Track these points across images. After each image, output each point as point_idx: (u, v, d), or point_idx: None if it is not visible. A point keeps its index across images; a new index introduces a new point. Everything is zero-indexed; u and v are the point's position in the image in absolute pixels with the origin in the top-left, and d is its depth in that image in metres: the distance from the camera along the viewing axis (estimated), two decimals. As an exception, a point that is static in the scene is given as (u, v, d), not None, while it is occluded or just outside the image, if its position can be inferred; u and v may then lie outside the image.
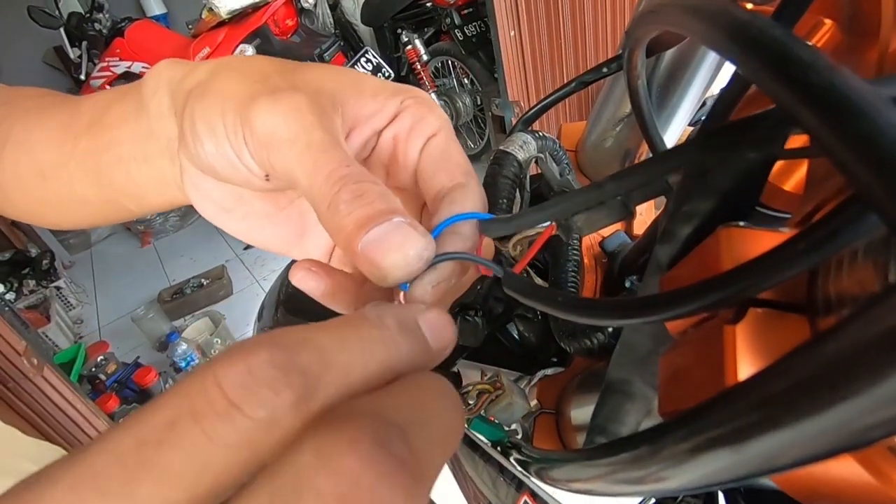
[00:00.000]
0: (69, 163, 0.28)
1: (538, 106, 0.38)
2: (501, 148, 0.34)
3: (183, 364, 1.88)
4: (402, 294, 0.18)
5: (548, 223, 0.20)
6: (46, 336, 2.10)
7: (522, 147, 0.35)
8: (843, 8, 0.19)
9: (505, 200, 0.34)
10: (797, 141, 0.17)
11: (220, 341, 1.97)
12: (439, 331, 0.15)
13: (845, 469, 0.13)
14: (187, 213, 3.02)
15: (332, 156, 0.17)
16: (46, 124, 0.29)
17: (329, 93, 0.20)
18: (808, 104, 0.11)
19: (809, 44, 0.14)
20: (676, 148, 0.16)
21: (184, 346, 1.89)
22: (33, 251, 2.65)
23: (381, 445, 0.11)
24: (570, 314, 0.16)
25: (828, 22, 0.19)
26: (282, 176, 0.19)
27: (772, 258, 0.11)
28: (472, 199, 0.21)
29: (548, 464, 0.27)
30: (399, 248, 0.16)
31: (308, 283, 0.22)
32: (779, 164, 0.24)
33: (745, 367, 0.12)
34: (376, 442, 0.11)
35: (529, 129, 0.38)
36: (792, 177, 0.25)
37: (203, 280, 2.34)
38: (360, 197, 0.17)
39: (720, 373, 0.13)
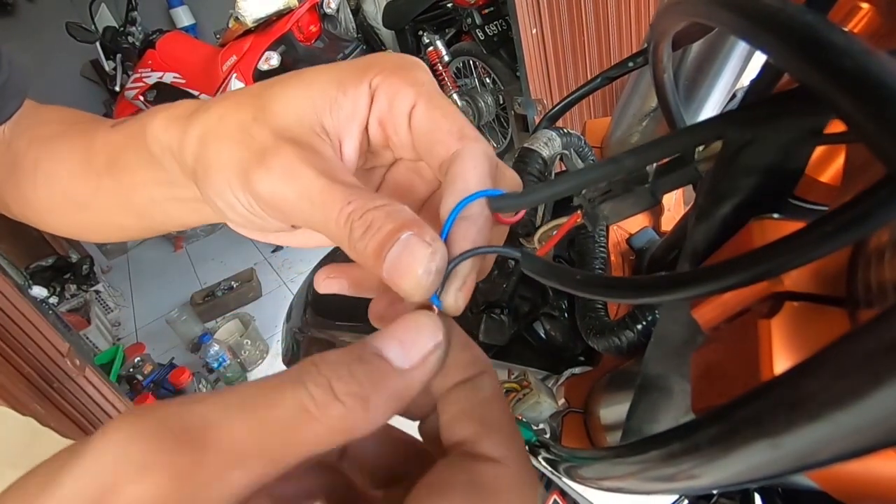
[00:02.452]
0: (99, 196, 0.30)
1: (563, 102, 0.38)
2: (526, 145, 0.34)
3: (215, 365, 1.93)
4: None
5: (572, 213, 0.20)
6: (87, 338, 2.19)
7: (547, 144, 0.35)
8: (881, -10, 0.18)
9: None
10: (835, 128, 0.17)
11: (249, 342, 2.02)
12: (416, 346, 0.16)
13: (892, 467, 0.12)
14: (217, 217, 3.11)
15: (333, 199, 0.18)
16: (69, 157, 0.31)
17: (306, 120, 0.20)
18: (843, 89, 0.11)
19: (844, 28, 0.14)
20: (706, 121, 0.16)
21: (216, 348, 1.94)
22: (74, 257, 2.76)
23: None
24: (589, 292, 0.15)
25: (865, 6, 0.18)
26: (303, 225, 0.20)
27: (800, 238, 0.11)
28: (472, 167, 0.19)
29: (578, 462, 0.27)
30: (409, 271, 0.17)
31: (332, 287, 0.23)
32: (815, 155, 0.23)
33: (782, 361, 0.12)
34: None
35: (554, 125, 0.38)
36: (829, 168, 0.24)
37: (233, 283, 2.40)
38: (368, 229, 0.17)
39: (755, 368, 0.13)
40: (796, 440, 0.10)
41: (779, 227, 0.14)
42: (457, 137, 0.20)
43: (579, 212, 0.21)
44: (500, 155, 2.64)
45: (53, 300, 2.39)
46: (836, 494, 0.14)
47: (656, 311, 0.34)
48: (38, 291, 2.24)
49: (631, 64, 0.36)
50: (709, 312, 0.16)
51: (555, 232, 0.24)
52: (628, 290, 0.14)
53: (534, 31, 1.77)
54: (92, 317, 2.30)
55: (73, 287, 2.52)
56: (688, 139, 0.17)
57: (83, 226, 0.33)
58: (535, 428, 0.37)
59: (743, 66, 0.40)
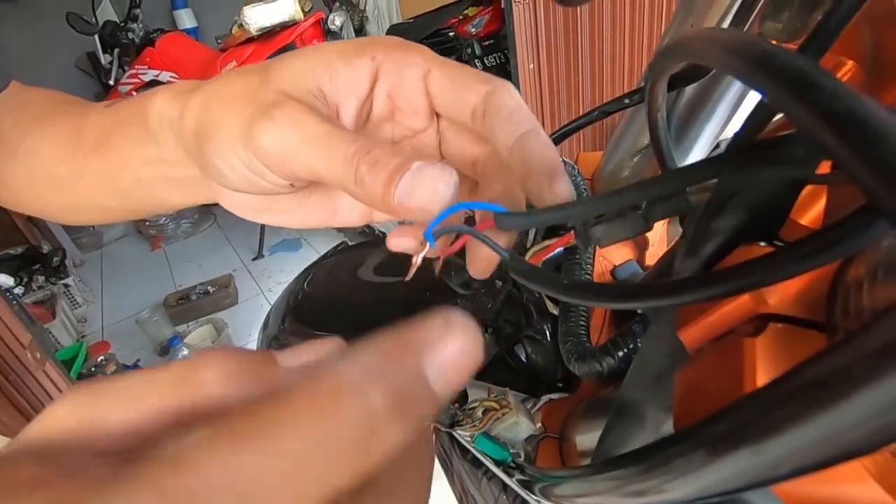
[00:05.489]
0: (84, 177, 0.29)
1: (561, 131, 0.39)
2: (522, 168, 0.35)
3: (182, 370, 1.88)
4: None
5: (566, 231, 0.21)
6: (50, 332, 2.11)
7: (542, 169, 0.36)
8: (866, 48, 0.20)
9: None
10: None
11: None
12: (458, 365, 0.11)
13: (865, 492, 0.13)
14: (199, 220, 3.06)
15: (338, 141, 0.19)
16: (55, 136, 0.31)
17: (305, 84, 0.21)
18: (832, 129, 0.12)
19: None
20: (703, 161, 0.17)
21: (185, 352, 1.89)
22: (46, 248, 2.68)
23: None
24: (575, 297, 0.16)
25: (849, 62, 0.19)
26: (305, 176, 0.21)
27: (780, 257, 0.12)
28: (505, 93, 0.21)
29: (552, 481, 0.27)
30: (430, 185, 0.18)
31: (402, 245, 0.22)
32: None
33: (765, 377, 0.13)
34: None
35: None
36: (809, 211, 0.25)
37: (210, 287, 2.35)
38: (376, 164, 0.18)
39: (739, 384, 0.13)
40: (763, 450, 0.11)
41: (765, 253, 0.14)
42: (483, 82, 0.21)
43: (572, 232, 0.22)
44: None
45: (19, 290, 2.30)
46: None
47: (638, 340, 0.34)
48: (4, 280, 2.16)
49: (627, 101, 0.38)
50: (695, 333, 0.16)
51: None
52: (614, 296, 0.15)
53: (531, 66, 1.83)
54: (58, 310, 2.23)
55: (41, 278, 2.44)
56: (685, 178, 0.18)
57: (61, 205, 0.33)
58: (511, 449, 0.37)
59: (731, 113, 0.42)
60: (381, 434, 0.10)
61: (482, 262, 0.22)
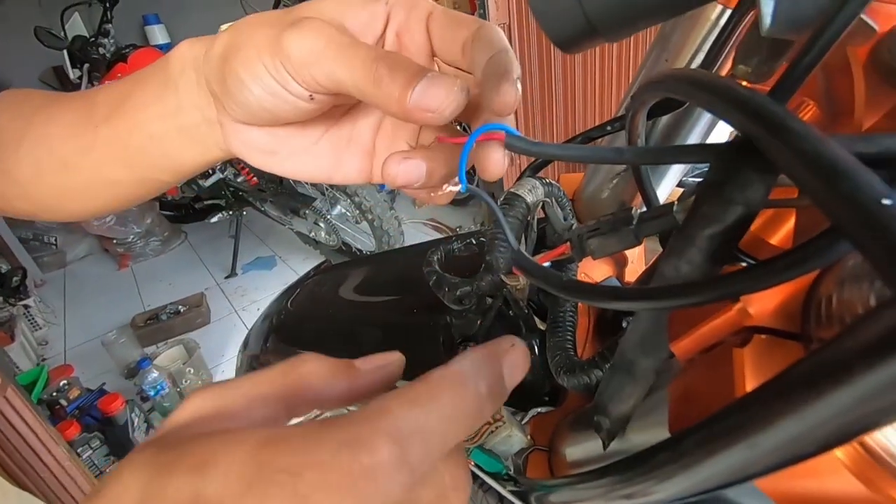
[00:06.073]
0: (92, 151, 0.30)
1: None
2: (512, 190, 0.37)
3: (152, 393, 1.81)
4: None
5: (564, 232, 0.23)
6: (8, 356, 2.01)
7: (531, 191, 0.38)
8: (822, 91, 0.22)
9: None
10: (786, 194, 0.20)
11: (192, 370, 1.91)
12: (518, 370, 0.18)
13: (843, 484, 0.15)
14: (169, 238, 2.99)
15: (360, 46, 0.22)
16: (62, 118, 0.31)
17: (330, 18, 0.24)
18: (803, 166, 0.14)
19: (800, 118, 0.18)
20: (693, 145, 0.19)
21: (154, 374, 1.82)
22: (4, 267, 2.57)
23: None
24: (573, 295, 0.18)
25: (811, 102, 0.22)
26: (325, 83, 0.22)
27: (758, 270, 0.13)
28: (490, 29, 0.23)
29: (547, 490, 0.29)
30: (445, 88, 0.20)
31: (409, 172, 0.24)
32: (766, 220, 0.27)
33: (753, 382, 0.14)
34: None
35: (537, 175, 0.41)
36: (778, 232, 0.28)
37: (180, 307, 2.29)
38: (395, 66, 0.20)
39: (730, 389, 0.15)
40: (740, 451, 0.13)
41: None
42: (475, 21, 0.24)
43: (568, 243, 0.24)
44: (465, 200, 2.71)
45: (-25, 312, 2.19)
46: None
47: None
48: (-41, 301, 2.06)
49: (609, 128, 0.40)
50: (686, 345, 0.18)
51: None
52: (609, 297, 0.17)
53: (507, 87, 1.88)
54: (17, 333, 2.13)
55: (-1, 299, 2.33)
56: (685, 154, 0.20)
57: (67, 189, 0.33)
58: (505, 461, 0.38)
59: (703, 139, 0.45)
60: (485, 409, 0.16)
61: (495, 164, 0.23)
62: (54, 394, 1.80)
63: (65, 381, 1.85)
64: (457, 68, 0.26)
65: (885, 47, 0.19)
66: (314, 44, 0.22)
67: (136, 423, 1.73)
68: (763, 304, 0.16)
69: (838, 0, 0.16)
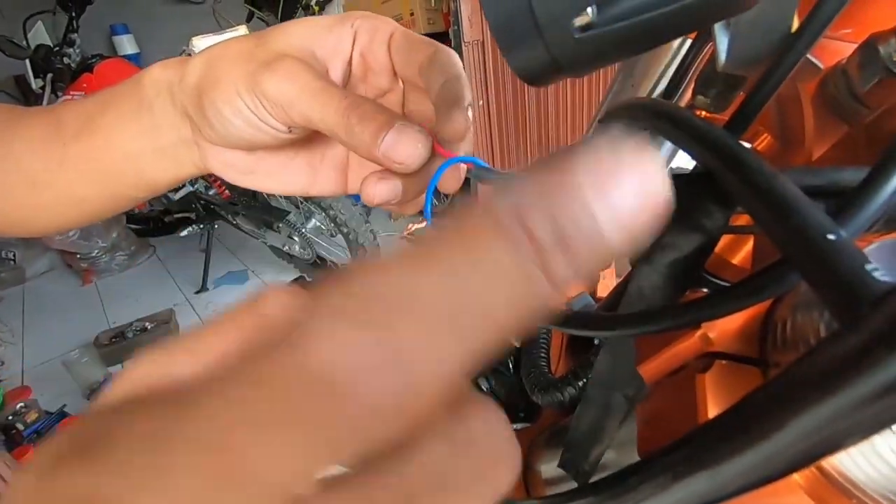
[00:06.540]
0: (61, 168, 0.30)
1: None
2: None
3: (115, 414, 1.74)
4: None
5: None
6: (-40, 378, 1.91)
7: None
8: (776, 121, 0.23)
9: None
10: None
11: (160, 390, 1.84)
12: (632, 217, 0.09)
13: (798, 502, 0.15)
14: (136, 252, 2.90)
15: (331, 95, 0.22)
16: (28, 135, 0.31)
17: (300, 47, 0.24)
18: (757, 200, 0.15)
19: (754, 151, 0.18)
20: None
21: (119, 395, 1.75)
22: (-43, 284, 2.45)
23: None
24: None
25: (765, 132, 0.23)
26: (301, 123, 0.23)
27: (717, 298, 0.14)
28: (445, 54, 0.25)
29: (525, 512, 0.29)
30: (408, 147, 0.21)
31: (383, 191, 0.24)
32: (728, 242, 0.28)
33: (715, 409, 0.15)
34: None
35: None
36: (738, 252, 0.29)
37: (147, 324, 2.21)
38: (364, 117, 0.21)
39: (693, 415, 0.15)
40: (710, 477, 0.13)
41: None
42: (431, 44, 0.25)
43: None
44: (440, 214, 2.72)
45: (-76, 332, 2.07)
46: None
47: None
48: None
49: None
50: (653, 368, 0.19)
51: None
52: (576, 325, 0.17)
53: (480, 102, 1.91)
54: (-30, 354, 2.02)
55: (-50, 318, 2.22)
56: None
57: (35, 207, 0.32)
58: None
59: (667, 164, 0.46)
60: (551, 268, 0.08)
61: (451, 179, 0.24)
62: (10, 417, 1.72)
63: (22, 404, 1.77)
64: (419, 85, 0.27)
65: (830, 82, 0.20)
66: (290, 88, 0.22)
67: (98, 447, 1.66)
68: (723, 329, 0.17)
69: (786, 42, 0.17)
